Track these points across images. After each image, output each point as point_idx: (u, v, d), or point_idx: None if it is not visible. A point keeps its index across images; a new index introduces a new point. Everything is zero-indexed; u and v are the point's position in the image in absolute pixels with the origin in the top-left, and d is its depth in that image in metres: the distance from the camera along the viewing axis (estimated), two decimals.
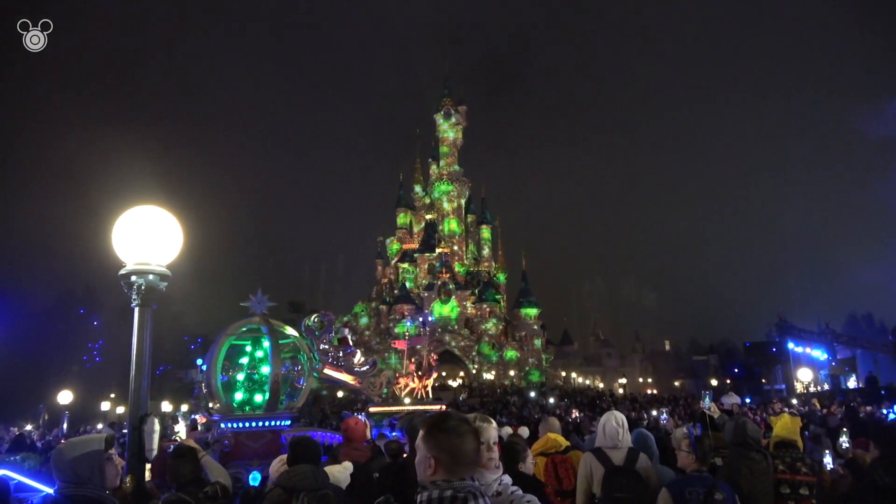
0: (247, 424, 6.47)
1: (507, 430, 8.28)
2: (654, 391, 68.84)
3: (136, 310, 4.03)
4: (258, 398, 10.98)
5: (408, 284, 57.75)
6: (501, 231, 65.06)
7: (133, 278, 4.01)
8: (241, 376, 11.45)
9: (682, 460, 4.19)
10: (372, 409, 16.07)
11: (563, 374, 64.63)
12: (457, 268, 59.70)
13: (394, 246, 64.29)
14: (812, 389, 52.03)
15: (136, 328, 4.03)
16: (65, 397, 24.87)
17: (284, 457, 4.41)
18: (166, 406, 36.66)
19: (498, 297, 58.69)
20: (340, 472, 4.28)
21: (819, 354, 60.37)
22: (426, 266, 59.08)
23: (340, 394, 39.05)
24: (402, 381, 19.05)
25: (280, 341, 7.88)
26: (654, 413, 21.57)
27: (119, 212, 4.10)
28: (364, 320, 58.73)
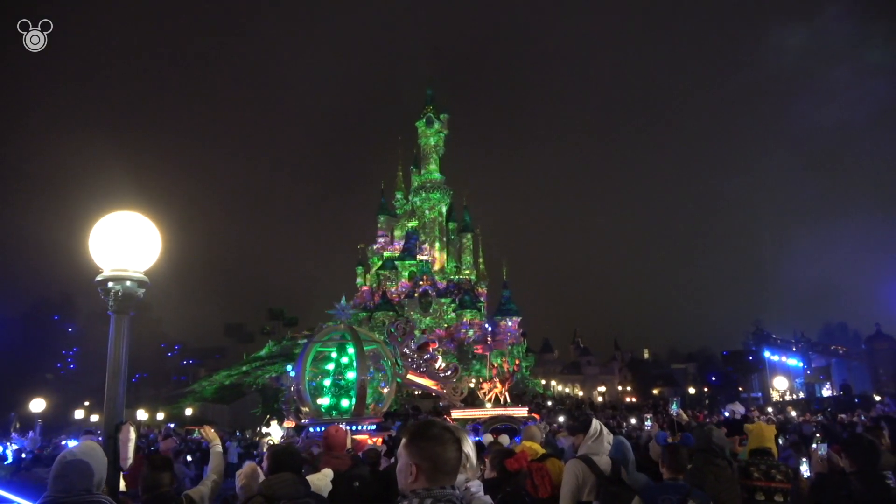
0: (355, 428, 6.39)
1: (488, 437, 8.29)
2: (634, 399, 69.31)
3: (113, 317, 3.98)
4: (344, 403, 10.96)
5: (389, 291, 57.55)
6: (482, 239, 65.18)
7: (110, 285, 3.96)
8: (327, 382, 11.43)
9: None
10: (455, 414, 15.99)
11: (543, 381, 64.75)
12: (437, 276, 59.65)
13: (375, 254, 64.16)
14: (788, 397, 52.67)
15: (113, 335, 3.97)
16: (37, 405, 24.39)
17: (252, 465, 4.38)
18: (142, 414, 36.11)
19: (479, 304, 58.70)
20: (321, 480, 4.26)
21: (795, 363, 61.13)
22: (407, 273, 58.96)
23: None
24: (486, 385, 18.99)
25: (364, 347, 7.82)
26: (634, 421, 21.73)
27: (96, 217, 4.05)
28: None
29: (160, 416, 41.33)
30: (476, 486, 2.96)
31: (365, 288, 62.16)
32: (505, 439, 7.48)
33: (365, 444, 8.31)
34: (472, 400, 18.54)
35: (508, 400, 18.79)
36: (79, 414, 38.36)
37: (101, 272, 4.01)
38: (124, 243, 4.00)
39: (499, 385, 18.46)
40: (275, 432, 14.88)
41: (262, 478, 4.05)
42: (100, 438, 5.72)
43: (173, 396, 50.69)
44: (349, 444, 6.19)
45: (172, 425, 32.21)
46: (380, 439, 9.79)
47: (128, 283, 3.99)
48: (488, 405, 17.90)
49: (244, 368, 52.20)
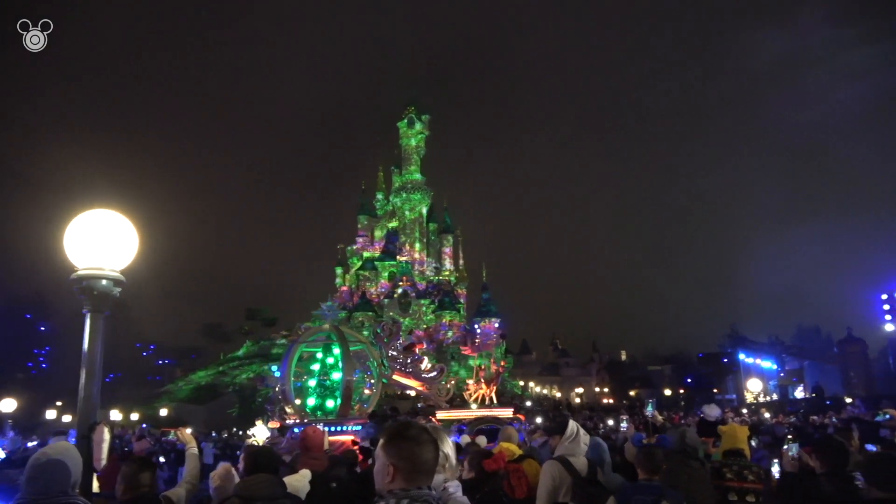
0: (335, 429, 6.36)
1: (466, 438, 8.31)
2: (611, 400, 69.84)
3: (88, 316, 3.94)
4: (329, 404, 10.89)
5: (368, 292, 57.41)
6: (462, 240, 65.29)
7: (85, 283, 3.92)
8: (312, 382, 11.34)
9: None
10: (440, 415, 15.89)
11: (522, 383, 65.02)
12: (417, 277, 59.63)
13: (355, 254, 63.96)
14: (762, 399, 53.43)
15: (88, 334, 3.93)
16: (7, 405, 23.95)
17: (226, 466, 4.34)
18: (116, 415, 35.62)
19: (458, 305, 58.78)
20: (299, 482, 4.24)
21: (769, 365, 62.06)
22: (387, 274, 58.87)
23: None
24: (472, 387, 18.94)
25: (351, 348, 7.78)
26: (611, 422, 21.90)
27: (72, 215, 4.00)
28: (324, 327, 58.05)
29: (134, 416, 40.79)
30: (454, 487, 2.98)
31: (344, 288, 61.93)
32: (482, 440, 7.51)
33: (349, 445, 8.28)
34: (457, 401, 18.56)
35: (495, 401, 18.82)
36: (50, 414, 37.71)
37: (77, 270, 3.96)
38: (100, 241, 3.96)
39: (484, 386, 18.49)
40: (259, 433, 14.81)
41: (237, 479, 4.03)
42: (72, 439, 5.62)
43: (148, 397, 50.07)
44: (327, 445, 6.17)
45: (147, 426, 31.82)
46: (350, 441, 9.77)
47: (103, 281, 3.94)
48: (474, 406, 17.91)
49: (221, 369, 51.73)
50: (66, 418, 36.70)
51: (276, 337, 54.73)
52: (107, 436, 3.87)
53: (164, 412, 42.54)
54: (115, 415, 35.41)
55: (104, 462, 3.89)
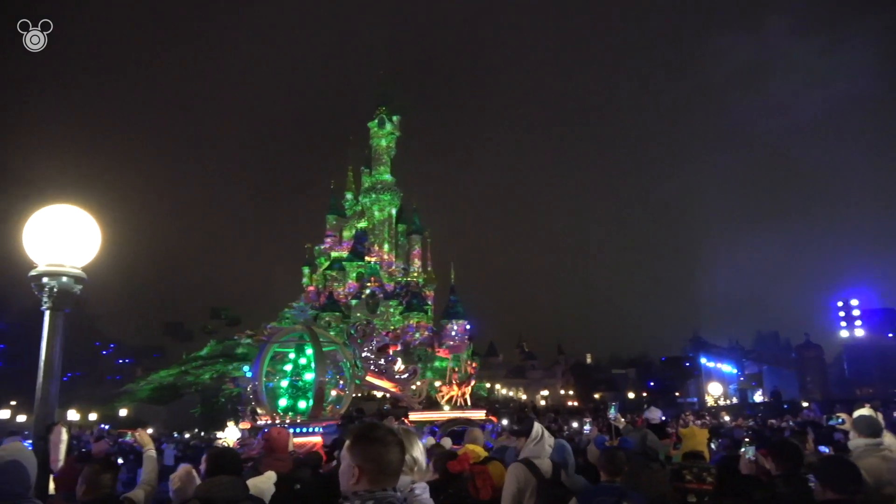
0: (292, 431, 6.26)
1: (430, 440, 8.32)
2: (576, 403, 70.54)
3: (47, 313, 3.85)
4: (301, 405, 10.71)
5: (335, 292, 57.00)
6: (431, 242, 65.24)
7: (45, 280, 3.83)
8: (284, 383, 11.16)
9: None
10: (413, 416, 15.73)
11: (488, 385, 65.23)
12: (385, 278, 59.41)
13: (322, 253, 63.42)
14: (722, 402, 54.52)
15: (46, 333, 3.83)
16: None
17: (187, 468, 4.28)
18: (73, 415, 34.74)
19: (426, 307, 58.74)
20: (264, 483, 4.20)
21: (729, 369, 63.38)
22: (355, 275, 58.54)
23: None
24: (444, 389, 18.80)
25: (324, 349, 7.67)
26: (576, 424, 22.15)
27: (32, 210, 3.91)
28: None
29: (92, 416, 39.84)
30: (421, 489, 2.98)
31: (311, 288, 61.33)
32: (447, 442, 7.53)
33: (319, 447, 8.21)
34: (423, 402, 18.55)
35: (469, 403, 18.84)
36: (4, 414, 36.63)
37: (36, 267, 3.87)
38: (61, 237, 3.88)
39: (456, 388, 18.50)
40: (230, 434, 14.58)
41: (198, 481, 3.97)
42: (25, 440, 5.47)
43: (107, 396, 48.89)
44: (291, 447, 6.12)
45: (106, 427, 31.09)
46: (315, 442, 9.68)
47: (64, 278, 3.86)
48: (446, 408, 17.90)
49: (183, 368, 50.78)
50: (21, 418, 35.67)
51: (240, 336, 53.92)
52: (64, 436, 3.80)
53: (123, 412, 41.64)
54: (73, 415, 34.53)
55: (61, 463, 3.80)
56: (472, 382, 19.45)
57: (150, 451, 4.77)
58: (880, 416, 7.21)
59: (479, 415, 18.26)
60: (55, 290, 3.82)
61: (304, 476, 5.17)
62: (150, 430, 31.17)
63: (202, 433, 31.22)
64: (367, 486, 2.04)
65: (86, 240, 3.99)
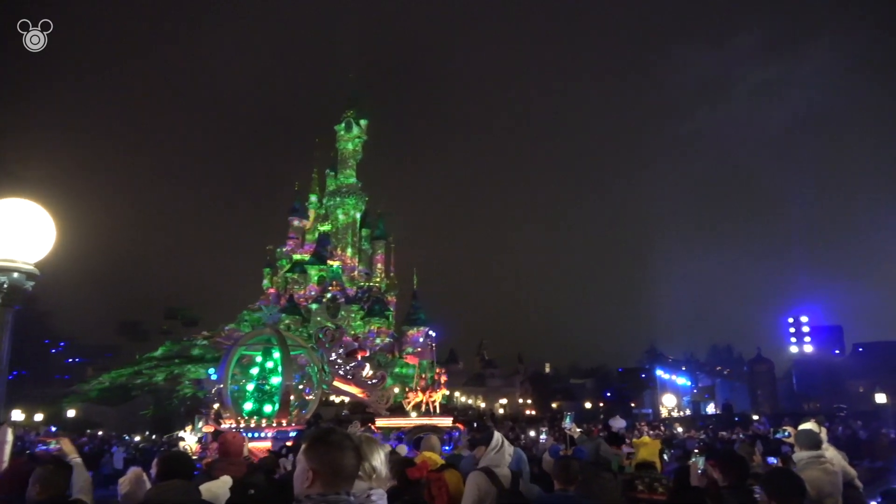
0: (255, 435, 6.12)
1: (386, 447, 8.28)
2: (534, 412, 71.00)
3: None
4: (267, 408, 10.46)
5: (296, 295, 56.37)
6: (395, 248, 65.04)
7: None
8: (250, 386, 10.89)
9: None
10: (379, 422, 15.50)
11: (448, 392, 65.20)
12: (347, 282, 59.03)
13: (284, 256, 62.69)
14: (676, 414, 55.56)
15: None
16: None
17: (137, 471, 4.20)
18: (18, 415, 33.54)
19: (388, 313, 58.49)
20: (219, 488, 4.13)
21: (683, 381, 64.67)
22: (316, 278, 58.00)
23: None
24: (411, 395, 18.57)
25: (291, 353, 7.53)
26: (533, 433, 22.29)
27: None
28: (248, 329, 56.54)
29: (38, 416, 38.54)
30: (378, 496, 2.96)
31: (271, 290, 60.54)
32: (403, 449, 7.52)
33: (265, 452, 8.11)
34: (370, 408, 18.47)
35: (437, 409, 18.81)
36: None
37: None
38: (12, 232, 3.77)
39: (420, 394, 18.46)
40: (189, 439, 14.24)
41: (148, 485, 3.90)
42: None
43: (55, 396, 47.34)
44: (246, 451, 6.05)
45: (53, 428, 30.12)
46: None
47: (15, 274, 3.75)
48: (413, 414, 17.84)
49: (136, 369, 49.51)
50: None
51: (197, 337, 52.88)
52: (10, 437, 3.69)
53: (72, 413, 40.36)
54: (18, 415, 33.31)
55: (5, 465, 3.70)
56: (442, 390, 19.49)
57: (75, 458, 4.46)
58: (824, 431, 7.46)
59: (447, 422, 18.25)
60: (5, 286, 3.72)
61: (259, 481, 5.11)
62: (100, 433, 30.26)
63: (153, 436, 30.43)
64: (320, 489, 2.04)
65: (39, 235, 3.89)
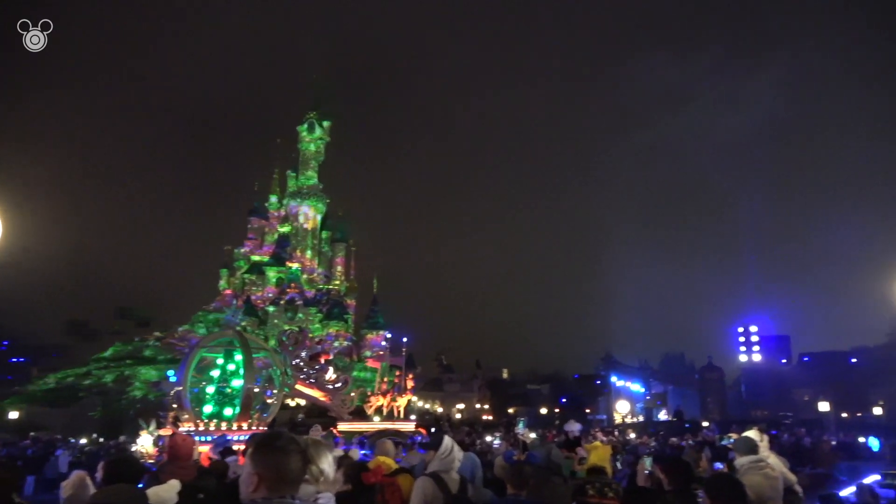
0: (209, 439, 5.96)
1: (338, 451, 8.25)
2: (490, 417, 71.37)
3: None
4: (228, 412, 10.14)
5: (253, 297, 55.50)
6: (356, 251, 64.61)
7: None
8: (210, 389, 10.54)
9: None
10: (341, 427, 15.18)
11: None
12: (306, 285, 58.40)
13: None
14: (629, 420, 56.54)
15: None
16: None
17: (80, 475, 4.10)
18: None
19: (347, 316, 58.05)
20: (167, 492, 4.06)
21: (637, 388, 65.84)
22: (274, 280, 57.22)
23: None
24: (373, 399, 18.21)
25: (253, 355, 7.34)
26: (489, 438, 22.44)
27: None
28: (202, 331, 55.42)
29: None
30: (325, 499, 2.97)
31: (228, 292, 59.45)
32: (355, 453, 7.50)
33: (205, 456, 7.94)
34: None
35: (402, 414, 18.71)
36: None
37: None
38: None
39: (382, 399, 18.34)
40: (145, 442, 13.81)
41: (92, 489, 3.81)
42: None
43: None
44: (195, 455, 5.95)
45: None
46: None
47: None
48: (376, 418, 17.71)
49: (85, 369, 48.03)
50: None
51: (149, 338, 51.61)
52: None
53: (14, 415, 38.96)
54: None
55: None
56: (408, 395, 19.40)
57: None
58: (766, 438, 7.72)
59: (409, 426, 18.17)
60: None
61: (209, 485, 5.04)
62: (45, 436, 29.22)
63: (101, 439, 29.54)
64: (265, 493, 2.06)
65: None
